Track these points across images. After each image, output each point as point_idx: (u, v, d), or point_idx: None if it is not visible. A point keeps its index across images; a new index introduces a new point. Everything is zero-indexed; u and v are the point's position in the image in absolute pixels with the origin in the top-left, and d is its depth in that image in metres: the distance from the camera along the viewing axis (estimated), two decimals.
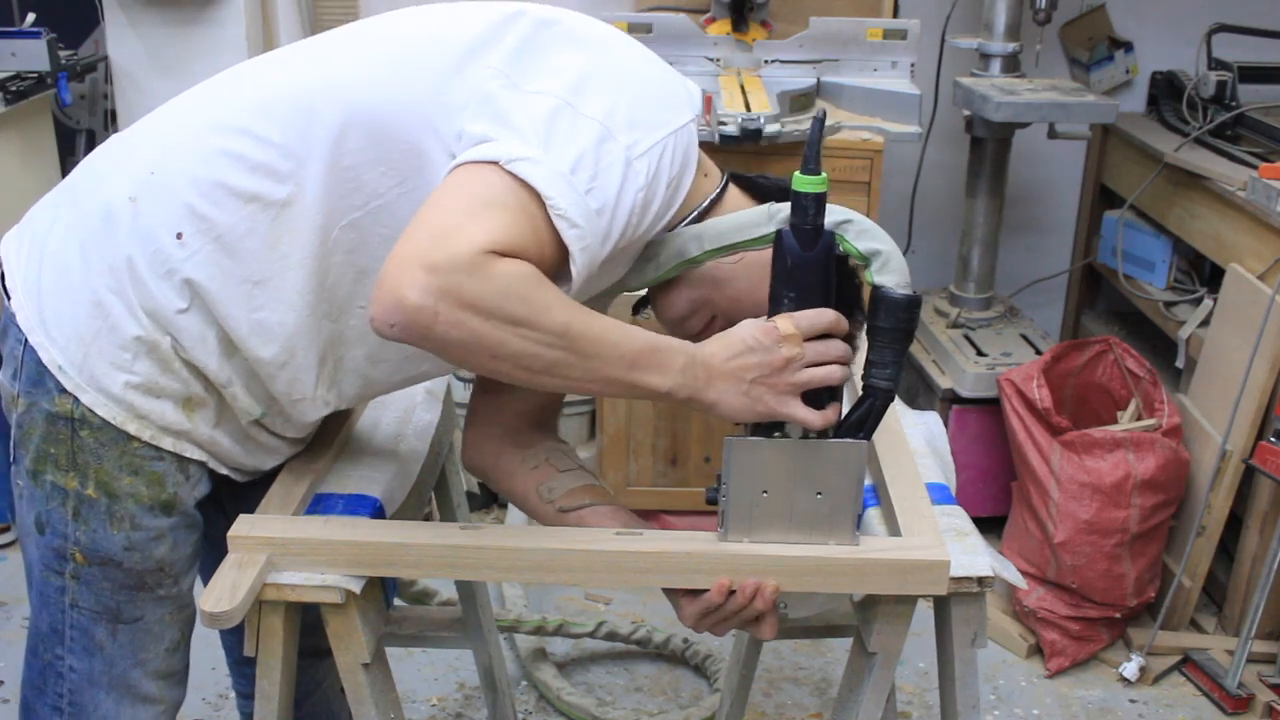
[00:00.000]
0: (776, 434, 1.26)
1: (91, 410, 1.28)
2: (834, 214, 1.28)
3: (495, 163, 1.14)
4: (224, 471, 1.37)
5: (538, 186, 1.14)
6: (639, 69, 1.30)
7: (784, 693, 2.52)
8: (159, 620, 1.38)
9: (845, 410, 1.28)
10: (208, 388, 1.31)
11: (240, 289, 1.25)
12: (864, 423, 1.27)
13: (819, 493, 1.27)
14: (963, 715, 1.41)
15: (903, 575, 1.28)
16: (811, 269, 1.23)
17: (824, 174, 1.23)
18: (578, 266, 1.17)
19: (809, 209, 1.22)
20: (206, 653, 1.87)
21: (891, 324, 1.25)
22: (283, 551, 1.27)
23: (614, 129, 1.19)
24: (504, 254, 1.10)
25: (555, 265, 1.17)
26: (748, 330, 1.22)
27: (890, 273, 1.27)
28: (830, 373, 1.22)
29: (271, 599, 1.28)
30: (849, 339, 1.27)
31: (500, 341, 1.11)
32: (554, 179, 1.14)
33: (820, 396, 1.24)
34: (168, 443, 1.30)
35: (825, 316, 1.23)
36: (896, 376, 1.27)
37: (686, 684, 2.56)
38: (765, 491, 1.27)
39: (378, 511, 1.38)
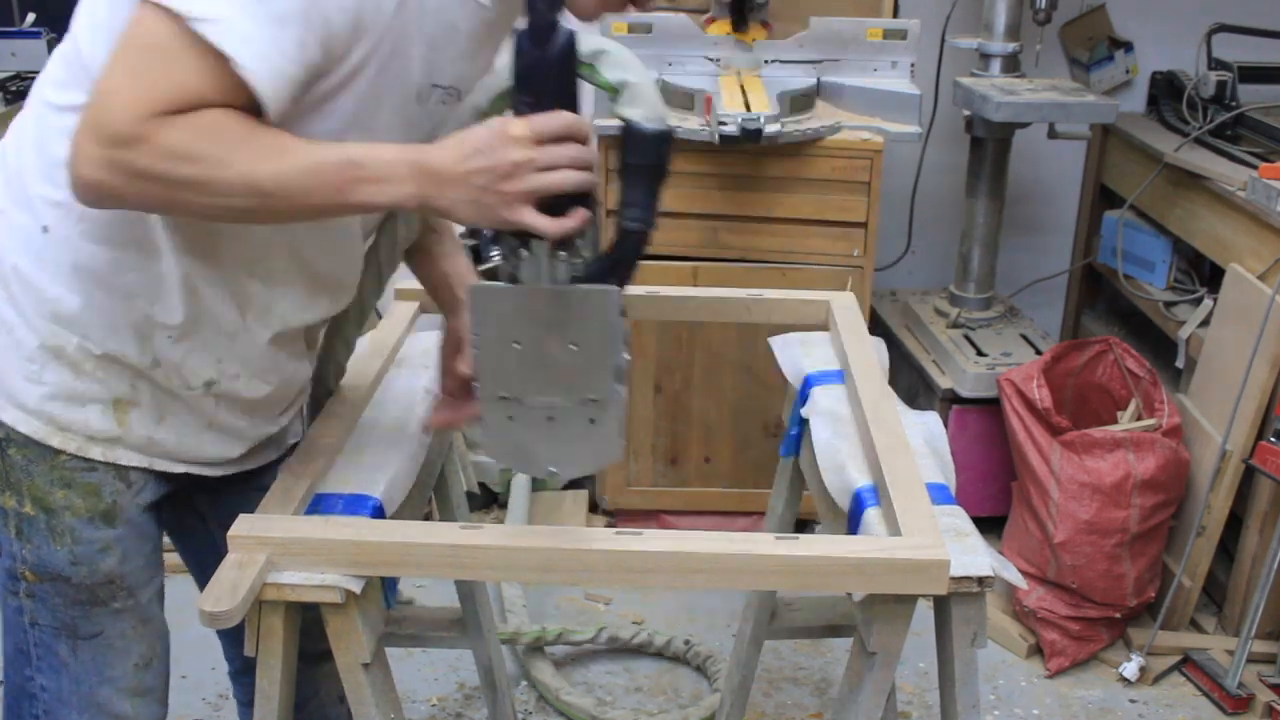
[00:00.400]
0: (522, 253, 1.17)
1: (13, 428, 1.26)
2: (591, 43, 1.20)
3: (167, 9, 1.04)
4: (180, 470, 1.34)
5: (191, 13, 1.03)
6: None
7: (784, 693, 2.52)
8: (120, 635, 1.35)
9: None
10: (135, 381, 1.27)
11: (121, 258, 1.21)
12: (615, 267, 1.19)
13: (573, 344, 1.19)
14: (963, 715, 1.40)
15: (902, 575, 1.27)
16: (548, 69, 1.12)
17: None
18: (267, 92, 1.07)
19: (540, 4, 1.11)
20: (207, 653, 1.87)
21: (640, 160, 1.18)
22: (282, 551, 1.26)
23: None
24: (174, 111, 1.05)
25: (250, 96, 1.08)
26: (478, 132, 1.14)
27: (639, 105, 1.21)
28: (565, 177, 1.12)
29: (271, 599, 1.27)
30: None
31: (186, 201, 1.09)
32: (218, 4, 1.04)
33: (564, 206, 1.14)
34: (97, 452, 1.28)
35: (559, 119, 1.12)
36: (648, 217, 1.20)
37: (686, 684, 2.55)
38: (517, 343, 1.20)
39: (377, 511, 1.37)
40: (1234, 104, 2.95)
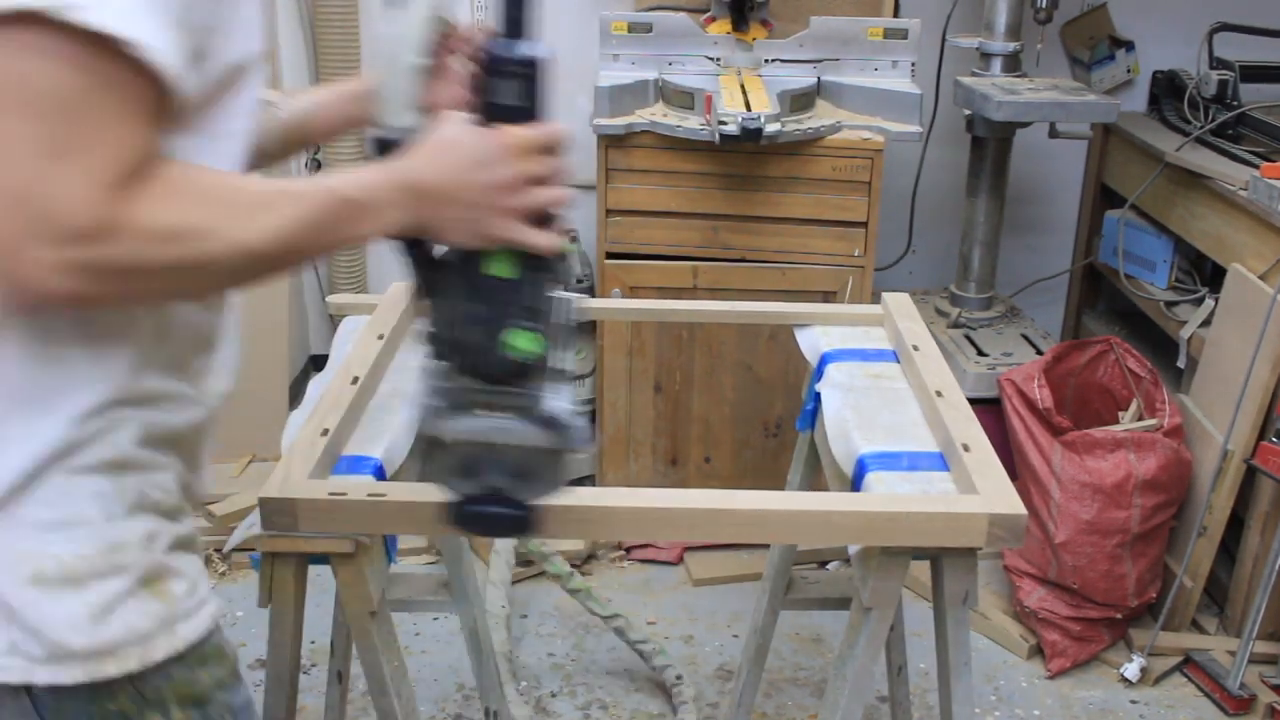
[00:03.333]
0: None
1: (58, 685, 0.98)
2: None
3: (35, 13, 0.79)
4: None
5: (111, 31, 0.81)
6: None
7: (784, 693, 2.52)
8: None
9: None
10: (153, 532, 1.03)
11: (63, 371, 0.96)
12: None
13: None
14: (954, 670, 1.45)
15: (890, 529, 1.33)
16: (523, 72, 1.06)
17: None
18: (174, 73, 0.86)
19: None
20: None
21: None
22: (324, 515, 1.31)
23: None
24: (128, 176, 0.85)
25: (163, 99, 0.88)
26: (469, 143, 1.04)
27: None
28: (559, 192, 1.07)
29: (284, 550, 1.36)
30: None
31: (170, 288, 0.93)
32: (122, 9, 0.81)
33: (544, 220, 1.09)
34: (159, 651, 1.02)
35: (551, 130, 1.06)
36: None
37: (661, 687, 2.55)
38: None
39: (378, 471, 1.43)
40: (1235, 103, 2.95)
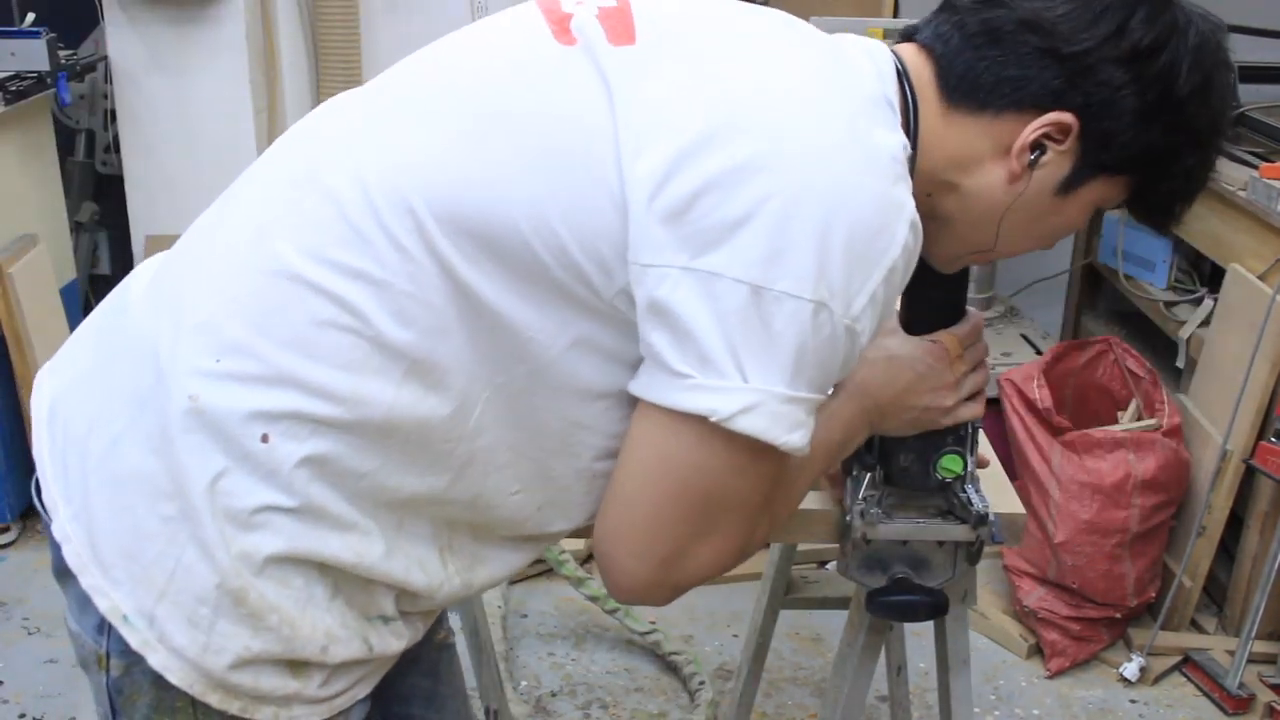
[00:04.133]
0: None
1: (165, 676, 1.00)
2: None
3: (703, 418, 0.92)
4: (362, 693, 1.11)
5: (762, 438, 0.93)
6: (835, 163, 0.93)
7: (784, 693, 2.52)
8: None
9: None
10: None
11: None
12: None
13: None
14: (953, 669, 1.45)
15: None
16: (949, 276, 1.20)
17: None
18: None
19: None
20: None
21: None
22: None
23: (827, 297, 0.91)
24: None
25: None
26: (917, 359, 1.17)
27: None
28: (986, 374, 1.23)
29: None
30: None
31: (733, 564, 1.08)
32: (777, 418, 0.92)
33: None
34: (266, 714, 1.02)
35: (975, 322, 1.22)
36: None
37: (682, 685, 2.55)
38: None
39: None
40: (1234, 104, 2.95)
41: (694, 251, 0.89)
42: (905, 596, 1.29)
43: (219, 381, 0.94)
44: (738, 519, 1.01)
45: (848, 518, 1.27)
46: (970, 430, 1.24)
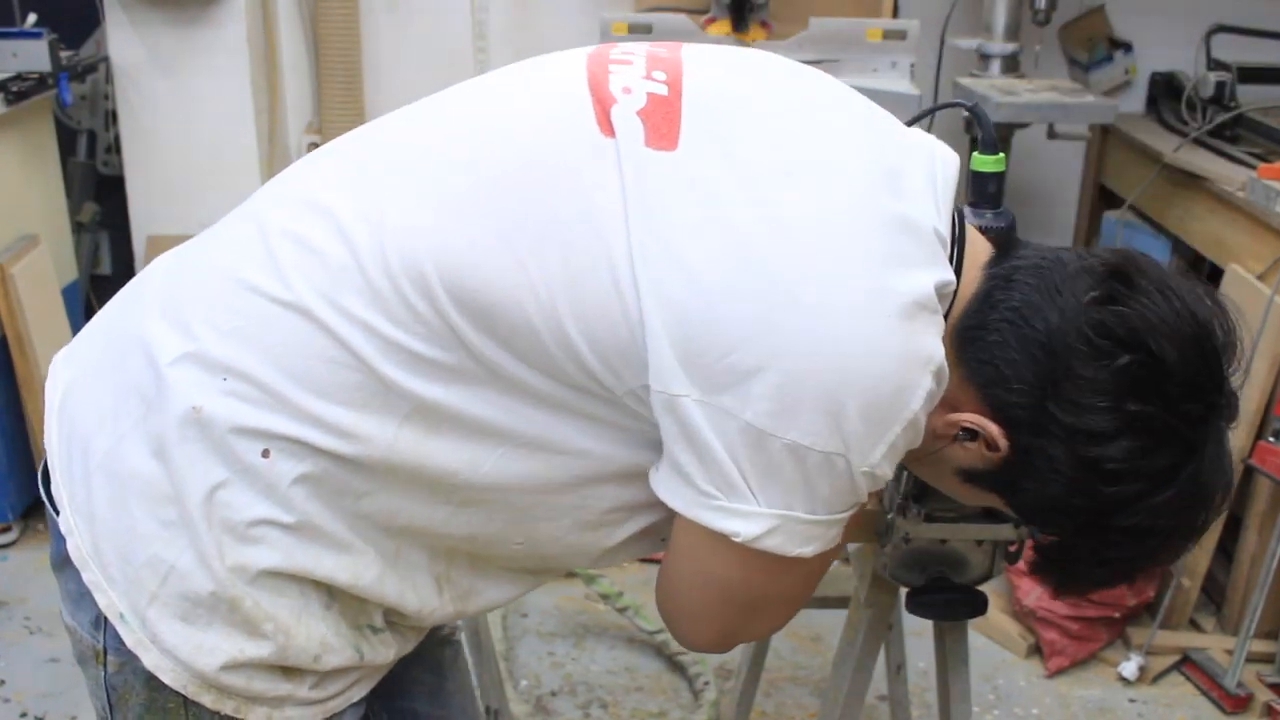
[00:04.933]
0: None
1: (157, 675, 1.00)
2: None
3: (732, 539, 0.94)
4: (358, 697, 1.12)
5: (787, 554, 0.95)
6: (853, 323, 0.90)
7: (784, 692, 2.53)
8: None
9: None
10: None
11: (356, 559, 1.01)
12: None
13: None
14: (953, 668, 1.46)
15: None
16: None
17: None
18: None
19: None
20: None
21: None
22: None
23: (842, 449, 0.91)
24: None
25: None
26: None
27: None
28: None
29: None
30: None
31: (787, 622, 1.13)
32: (806, 539, 0.95)
33: None
34: (260, 715, 1.02)
35: None
36: None
37: (687, 684, 2.56)
38: None
39: None
40: (1233, 104, 2.96)
41: (706, 390, 0.90)
42: (945, 595, 1.30)
43: (224, 397, 0.95)
44: (784, 605, 1.07)
45: (889, 515, 1.27)
46: None
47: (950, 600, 1.30)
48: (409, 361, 0.94)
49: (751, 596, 1.01)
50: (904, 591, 1.35)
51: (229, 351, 0.95)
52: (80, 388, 1.04)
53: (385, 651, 1.07)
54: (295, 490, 0.96)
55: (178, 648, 0.97)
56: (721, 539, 0.94)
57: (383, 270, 0.94)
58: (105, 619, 0.99)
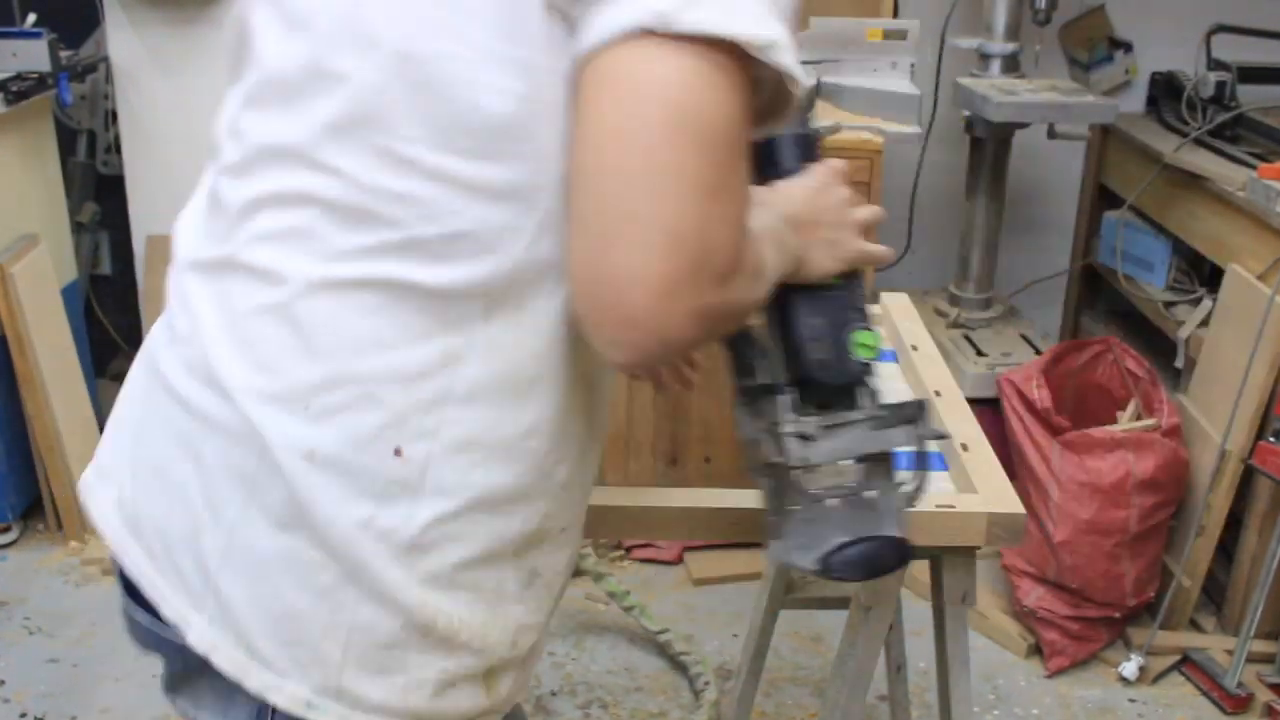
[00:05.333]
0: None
1: None
2: None
3: (650, 33, 0.76)
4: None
5: (721, 31, 0.78)
6: None
7: (784, 692, 2.53)
8: None
9: None
10: (518, 634, 0.98)
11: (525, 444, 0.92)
12: None
13: None
14: (953, 669, 1.46)
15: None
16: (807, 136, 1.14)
17: None
18: (798, 94, 0.89)
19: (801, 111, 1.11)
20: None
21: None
22: None
23: None
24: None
25: None
26: (809, 180, 1.07)
27: None
28: (877, 209, 1.14)
29: None
30: None
31: (728, 329, 0.97)
32: (731, 10, 0.79)
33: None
34: None
35: (840, 164, 1.12)
36: None
37: (687, 684, 2.56)
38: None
39: None
40: (1233, 104, 2.96)
41: None
42: (862, 544, 1.06)
43: (320, 424, 0.87)
44: (728, 196, 0.79)
45: (778, 444, 1.06)
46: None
47: (874, 549, 1.06)
48: (428, 258, 0.85)
49: (700, 129, 0.77)
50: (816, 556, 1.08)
51: (287, 377, 0.87)
52: (145, 499, 0.95)
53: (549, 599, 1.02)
54: (443, 468, 0.88)
55: (386, 699, 0.91)
56: (643, 51, 0.76)
57: (353, 184, 0.86)
58: (271, 710, 0.91)
